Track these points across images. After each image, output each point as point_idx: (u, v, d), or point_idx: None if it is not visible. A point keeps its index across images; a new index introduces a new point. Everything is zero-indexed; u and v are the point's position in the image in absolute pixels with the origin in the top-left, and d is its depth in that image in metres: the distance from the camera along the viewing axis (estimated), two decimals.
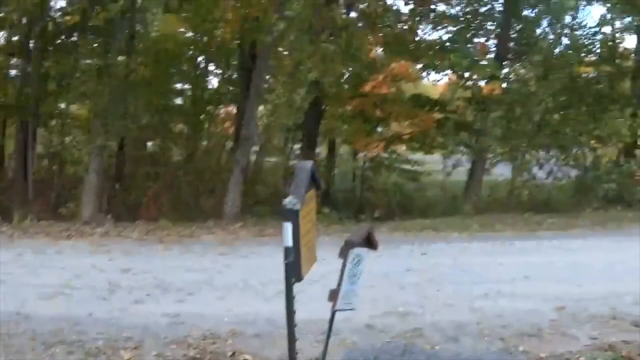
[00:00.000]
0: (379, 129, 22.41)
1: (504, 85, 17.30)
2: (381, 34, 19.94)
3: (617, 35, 20.43)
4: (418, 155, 22.93)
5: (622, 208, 17.09)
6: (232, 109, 23.12)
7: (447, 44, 19.35)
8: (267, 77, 17.71)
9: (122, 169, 19.17)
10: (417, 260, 11.04)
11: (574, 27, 19.52)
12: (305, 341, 6.43)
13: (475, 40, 20.33)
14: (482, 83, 19.33)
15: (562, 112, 17.73)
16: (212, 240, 12.68)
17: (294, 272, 3.85)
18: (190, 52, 21.68)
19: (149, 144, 22.52)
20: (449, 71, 19.87)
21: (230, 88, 22.22)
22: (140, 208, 15.92)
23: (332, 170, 22.82)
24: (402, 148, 22.91)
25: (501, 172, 19.78)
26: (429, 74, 20.66)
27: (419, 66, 20.51)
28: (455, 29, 20.94)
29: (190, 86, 22.38)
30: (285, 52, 14.88)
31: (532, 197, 18.80)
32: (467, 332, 6.87)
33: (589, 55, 19.98)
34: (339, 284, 4.01)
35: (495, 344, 6.49)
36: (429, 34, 21.30)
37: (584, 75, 20.19)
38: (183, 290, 8.54)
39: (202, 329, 6.81)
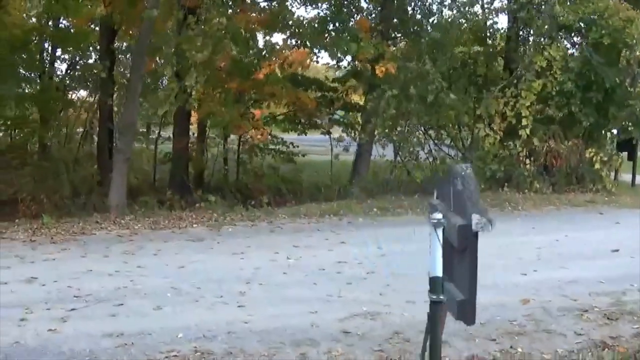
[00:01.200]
0: (254, 111, 21.78)
1: (394, 64, 16.89)
2: (255, 13, 19.24)
3: (489, 15, 20.69)
4: (310, 137, 22.63)
5: (509, 189, 17.12)
6: (88, 97, 22.86)
7: (330, 25, 18.79)
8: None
9: None
10: (338, 249, 10.50)
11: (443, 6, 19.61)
12: None
13: (356, 18, 19.86)
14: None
15: (445, 91, 17.55)
16: (108, 237, 11.51)
17: (465, 313, 3.09)
18: (36, 39, 20.47)
19: None
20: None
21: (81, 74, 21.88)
22: (17, 205, 14.43)
23: (204, 154, 21.98)
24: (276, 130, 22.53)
25: (383, 153, 19.48)
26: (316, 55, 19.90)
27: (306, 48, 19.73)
28: (327, 7, 20.41)
29: (38, 74, 21.23)
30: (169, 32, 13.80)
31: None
32: (451, 333, 6.36)
33: (460, 35, 20.08)
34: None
35: (490, 346, 6.08)
36: (303, 11, 20.85)
37: (459, 54, 20.27)
38: (109, 301, 7.45)
39: (162, 350, 5.93)
